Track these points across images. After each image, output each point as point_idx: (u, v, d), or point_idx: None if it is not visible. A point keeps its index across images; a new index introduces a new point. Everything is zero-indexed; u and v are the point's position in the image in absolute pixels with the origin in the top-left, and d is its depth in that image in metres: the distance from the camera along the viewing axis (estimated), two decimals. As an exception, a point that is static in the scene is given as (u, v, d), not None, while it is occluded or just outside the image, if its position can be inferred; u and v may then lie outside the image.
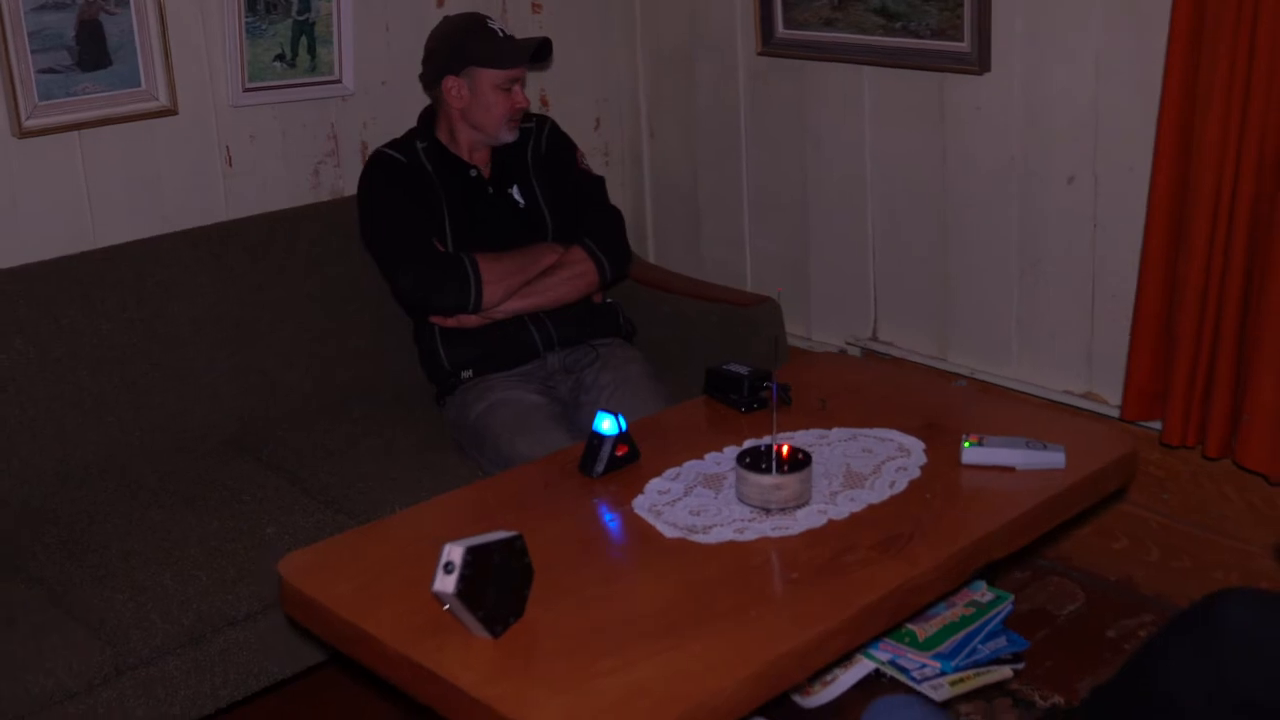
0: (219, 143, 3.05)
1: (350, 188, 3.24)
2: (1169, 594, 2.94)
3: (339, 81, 3.20)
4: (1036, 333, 3.09)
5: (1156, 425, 2.81)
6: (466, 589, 1.71)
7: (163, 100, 2.93)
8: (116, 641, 2.30)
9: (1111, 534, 3.06)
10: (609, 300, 3.18)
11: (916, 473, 2.20)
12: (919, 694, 2.29)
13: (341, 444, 2.91)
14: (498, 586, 1.76)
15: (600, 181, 3.21)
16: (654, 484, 2.20)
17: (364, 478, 2.76)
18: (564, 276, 3.01)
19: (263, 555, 2.48)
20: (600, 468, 2.23)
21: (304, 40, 3.10)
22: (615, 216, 3.16)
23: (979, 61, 2.97)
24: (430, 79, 3.00)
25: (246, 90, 3.04)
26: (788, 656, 1.78)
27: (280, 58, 3.08)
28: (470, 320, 2.95)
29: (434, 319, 2.98)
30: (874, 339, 3.40)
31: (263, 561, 2.45)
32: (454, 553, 1.71)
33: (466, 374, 2.97)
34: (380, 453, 2.86)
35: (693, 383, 2.79)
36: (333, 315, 3.12)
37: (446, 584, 1.70)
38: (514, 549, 1.79)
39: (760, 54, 3.41)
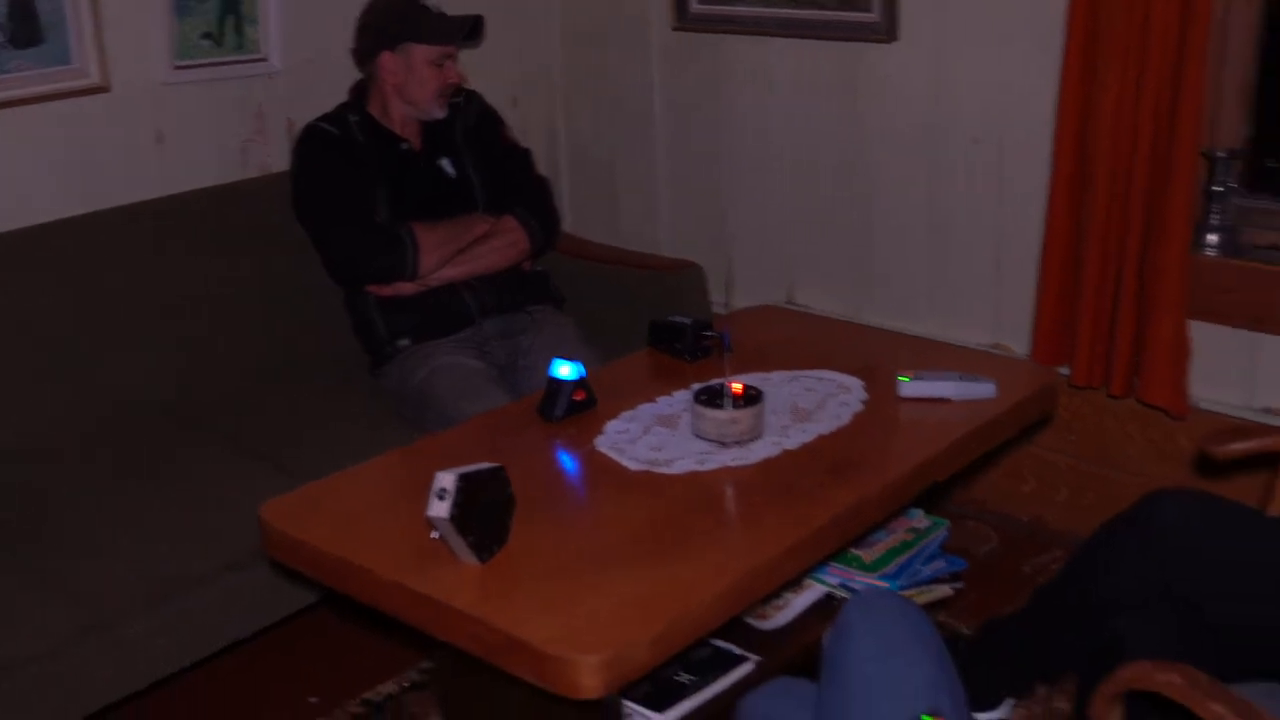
0: (150, 120, 3.07)
1: (277, 165, 3.27)
2: (1078, 530, 3.06)
3: (265, 60, 3.23)
4: (946, 290, 3.23)
5: (1063, 371, 2.97)
6: (459, 514, 1.78)
7: (94, 78, 2.93)
8: (81, 605, 2.31)
9: (1021, 477, 3.23)
10: (539, 268, 3.26)
11: (859, 406, 2.34)
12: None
13: (281, 413, 2.95)
14: (486, 513, 1.84)
15: (527, 153, 3.29)
16: (612, 425, 2.29)
17: (307, 444, 2.79)
18: (496, 245, 3.08)
19: (217, 517, 2.52)
20: (560, 411, 2.31)
21: (230, 19, 3.13)
22: (544, 186, 3.25)
23: (887, 31, 3.11)
24: (364, 54, 3.04)
25: (176, 68, 3.06)
26: (756, 571, 1.89)
27: (208, 36, 3.10)
28: (406, 288, 3.01)
29: (371, 288, 3.03)
30: (790, 302, 3.53)
31: (218, 523, 2.50)
32: (446, 480, 1.78)
33: (404, 342, 3.02)
34: (320, 420, 2.91)
35: (621, 347, 2.88)
36: (264, 289, 3.15)
37: (440, 509, 1.78)
38: (498, 478, 1.87)
39: (675, 29, 3.52)
